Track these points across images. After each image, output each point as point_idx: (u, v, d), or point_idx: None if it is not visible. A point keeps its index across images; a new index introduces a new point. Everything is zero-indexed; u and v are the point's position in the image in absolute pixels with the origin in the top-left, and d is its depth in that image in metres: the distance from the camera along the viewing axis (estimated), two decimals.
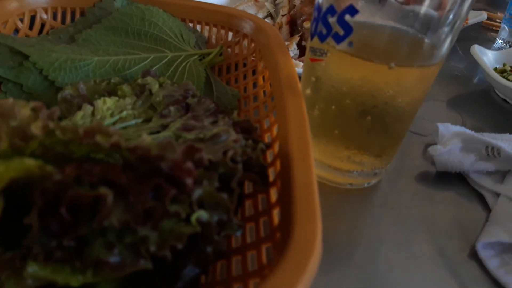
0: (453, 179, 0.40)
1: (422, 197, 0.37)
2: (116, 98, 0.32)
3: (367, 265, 0.30)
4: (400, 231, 0.33)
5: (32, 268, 0.17)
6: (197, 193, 0.20)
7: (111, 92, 0.35)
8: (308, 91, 0.36)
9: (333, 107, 0.34)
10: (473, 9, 0.88)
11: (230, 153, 0.23)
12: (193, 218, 0.20)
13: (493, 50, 0.74)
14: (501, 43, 0.76)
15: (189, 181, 0.19)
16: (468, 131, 0.41)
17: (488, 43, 0.78)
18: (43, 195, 0.17)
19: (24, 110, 0.21)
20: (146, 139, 0.19)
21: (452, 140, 0.40)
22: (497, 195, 0.37)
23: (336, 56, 0.32)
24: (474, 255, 0.31)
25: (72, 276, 0.18)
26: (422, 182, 0.39)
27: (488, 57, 0.58)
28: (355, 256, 0.30)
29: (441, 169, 0.39)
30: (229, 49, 0.46)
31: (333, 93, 0.33)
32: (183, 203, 0.20)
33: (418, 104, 0.35)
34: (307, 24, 0.51)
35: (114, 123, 0.30)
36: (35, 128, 0.19)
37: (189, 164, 0.19)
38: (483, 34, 0.83)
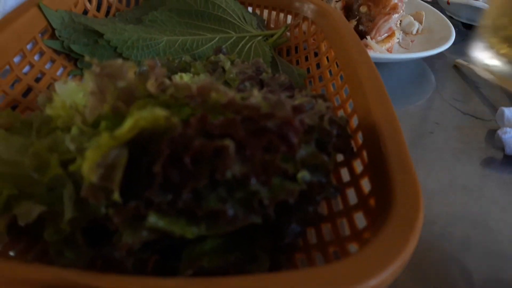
0: None
1: (492, 179, 0.36)
2: (191, 74, 0.33)
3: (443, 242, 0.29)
4: (474, 210, 0.33)
5: (153, 218, 0.18)
6: (302, 153, 0.20)
7: (184, 69, 0.35)
8: None
9: None
10: None
11: (326, 117, 0.23)
12: (299, 176, 0.20)
13: None
14: None
15: (295, 139, 0.19)
16: None
17: None
18: (170, 145, 0.17)
19: (131, 71, 0.22)
20: (257, 96, 0.19)
21: None
22: None
23: None
24: None
25: (187, 228, 0.18)
26: (490, 165, 0.38)
27: None
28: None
29: (511, 152, 0.38)
30: (288, 33, 0.46)
31: None
32: (289, 161, 0.20)
33: None
34: (363, 9, 0.50)
35: None
36: (151, 86, 0.20)
37: (298, 122, 0.19)
38: None
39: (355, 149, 0.27)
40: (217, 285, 0.14)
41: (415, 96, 0.48)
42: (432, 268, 0.28)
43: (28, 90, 0.31)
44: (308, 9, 0.44)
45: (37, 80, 0.33)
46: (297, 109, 0.20)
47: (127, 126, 0.17)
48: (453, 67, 0.56)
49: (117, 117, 0.21)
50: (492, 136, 0.41)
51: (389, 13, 0.49)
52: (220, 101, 0.19)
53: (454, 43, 0.65)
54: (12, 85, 0.30)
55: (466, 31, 0.72)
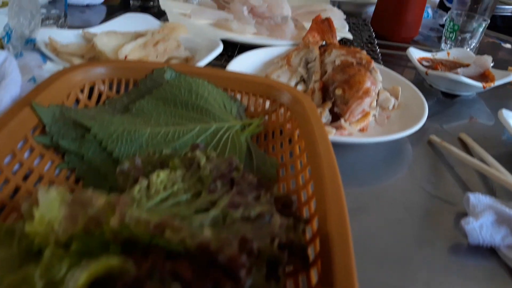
0: (485, 251, 0.40)
1: (453, 271, 0.38)
2: (168, 170, 0.36)
3: None
4: None
5: None
6: (249, 283, 0.22)
7: (163, 163, 0.38)
8: None
9: None
10: (501, 68, 0.90)
11: (276, 241, 0.25)
12: None
13: None
14: None
15: (243, 273, 0.22)
16: (498, 204, 0.42)
17: None
18: None
19: (100, 200, 0.24)
20: (207, 234, 0.22)
21: (483, 213, 0.41)
22: None
23: None
24: None
25: None
26: (454, 254, 0.40)
27: None
28: None
29: (474, 242, 0.40)
30: (266, 116, 0.49)
31: None
32: None
33: None
34: (339, 91, 0.54)
35: (167, 198, 0.33)
36: (113, 221, 0.22)
37: (244, 258, 0.22)
38: (510, 91, 0.84)
39: (311, 257, 0.29)
40: None
41: (387, 176, 0.50)
42: None
43: (16, 188, 0.34)
44: (285, 96, 0.48)
45: (26, 177, 0.36)
46: (243, 243, 0.22)
47: (82, 280, 0.19)
48: (428, 143, 0.58)
49: (88, 238, 0.23)
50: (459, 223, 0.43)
51: (361, 97, 0.52)
52: (174, 239, 0.21)
53: (433, 112, 0.68)
54: (0, 187, 0.33)
55: (445, 99, 0.76)
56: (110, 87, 0.48)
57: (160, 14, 0.90)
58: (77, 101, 0.45)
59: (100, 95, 0.48)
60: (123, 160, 0.37)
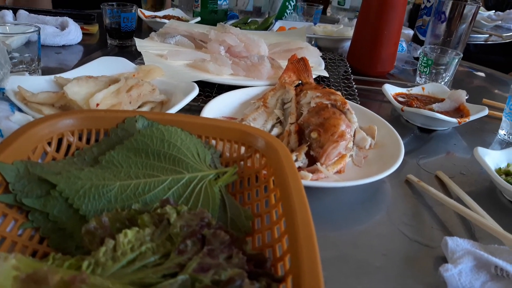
0: None
1: None
2: (137, 229, 0.34)
3: None
4: None
5: None
6: None
7: (132, 220, 0.37)
8: None
9: None
10: (476, 98, 0.92)
11: None
12: None
13: (496, 142, 0.77)
14: (504, 135, 0.78)
15: None
16: (477, 248, 0.42)
17: (492, 133, 0.81)
18: None
19: (55, 278, 0.23)
20: None
21: (462, 259, 0.41)
22: None
23: None
24: None
25: None
26: None
27: (491, 157, 0.60)
28: None
29: None
30: (241, 162, 0.48)
31: None
32: None
33: None
34: (314, 134, 0.54)
35: (133, 260, 0.32)
36: None
37: None
38: (486, 124, 0.85)
39: None
40: None
41: (365, 219, 0.50)
42: None
43: None
44: (259, 142, 0.47)
45: None
46: None
47: None
48: (405, 182, 0.58)
49: None
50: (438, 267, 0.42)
51: (337, 141, 0.52)
52: None
53: (410, 149, 0.68)
54: None
55: (422, 134, 0.76)
56: (80, 138, 0.47)
57: (138, 54, 0.90)
58: (45, 153, 0.44)
59: (69, 146, 0.46)
60: (90, 219, 0.36)
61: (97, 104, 0.53)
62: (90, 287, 0.25)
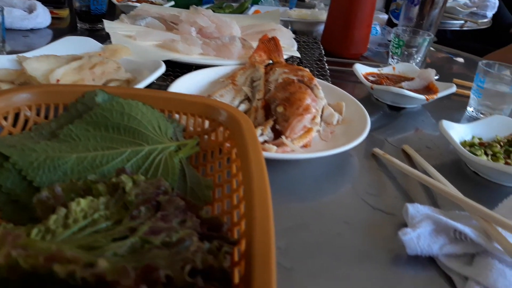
0: (424, 261, 0.40)
1: (391, 283, 0.37)
2: (91, 198, 0.34)
3: None
4: None
5: None
6: None
7: (88, 190, 0.36)
8: None
9: None
10: (441, 74, 0.94)
11: (187, 268, 0.24)
12: None
13: (464, 119, 0.78)
14: (472, 111, 0.80)
15: None
16: (436, 214, 0.42)
17: (461, 110, 0.82)
18: None
19: None
20: (102, 264, 0.20)
21: (421, 223, 0.42)
22: (466, 278, 0.38)
23: None
24: None
25: None
26: (393, 266, 0.40)
27: (456, 131, 0.61)
28: None
29: (412, 253, 0.40)
30: (206, 136, 0.48)
31: None
32: None
33: None
34: (280, 109, 0.53)
35: (85, 227, 0.31)
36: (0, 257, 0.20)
37: None
38: (455, 102, 0.87)
39: (237, 279, 0.28)
40: None
41: (329, 191, 0.50)
42: None
43: None
44: (222, 115, 0.47)
45: None
46: (145, 272, 0.21)
47: None
48: (371, 156, 0.59)
49: None
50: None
51: (302, 114, 0.52)
52: (62, 272, 0.20)
53: (379, 125, 0.69)
54: None
55: (391, 112, 0.77)
56: (38, 113, 0.46)
57: (108, 38, 0.88)
58: (2, 127, 0.43)
59: (27, 121, 0.45)
60: (42, 188, 0.35)
61: (58, 80, 0.52)
62: (36, 250, 0.25)
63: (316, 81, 0.61)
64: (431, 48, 1.32)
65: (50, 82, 0.52)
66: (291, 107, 0.53)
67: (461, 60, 1.27)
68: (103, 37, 0.99)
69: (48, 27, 1.04)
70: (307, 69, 0.64)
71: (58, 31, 1.04)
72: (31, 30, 0.99)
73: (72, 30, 1.04)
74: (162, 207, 0.33)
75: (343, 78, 0.93)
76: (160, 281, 0.22)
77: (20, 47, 0.89)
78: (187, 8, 1.13)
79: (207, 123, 0.49)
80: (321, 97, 0.59)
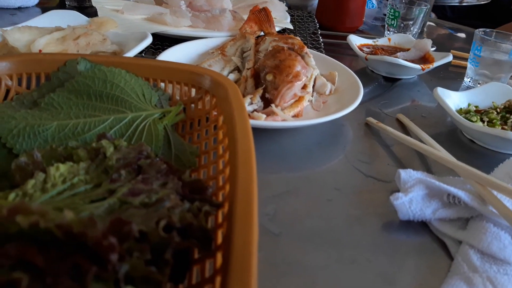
0: (417, 226, 0.39)
1: (383, 247, 0.37)
2: (71, 163, 0.33)
3: None
4: (360, 285, 0.33)
5: None
6: (124, 268, 0.20)
7: (68, 156, 0.35)
8: None
9: None
10: (442, 50, 0.91)
11: (162, 223, 0.23)
12: None
13: (462, 89, 0.77)
14: (469, 81, 0.78)
15: (113, 257, 0.19)
16: (429, 178, 0.41)
17: (457, 81, 0.80)
18: None
19: None
20: (68, 215, 0.19)
21: (413, 188, 0.41)
22: (459, 242, 0.37)
23: None
24: None
25: None
26: (384, 231, 0.39)
27: (452, 99, 0.60)
28: None
29: (403, 218, 0.39)
30: (192, 105, 0.47)
31: None
32: (107, 280, 0.19)
33: None
34: (269, 77, 0.52)
35: (63, 191, 0.30)
36: None
37: (112, 240, 0.19)
38: (452, 73, 0.85)
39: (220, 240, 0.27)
40: None
41: (321, 160, 0.49)
42: None
43: None
44: (208, 82, 0.45)
45: None
46: (115, 224, 0.20)
47: None
48: (365, 125, 0.58)
49: None
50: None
51: (291, 81, 0.50)
52: (24, 223, 0.19)
53: (374, 96, 0.68)
54: None
55: (386, 83, 0.76)
56: (20, 83, 0.45)
57: (96, 14, 0.86)
58: None
59: (8, 91, 0.44)
60: (21, 154, 0.34)
61: (40, 51, 0.51)
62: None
63: (308, 50, 0.60)
64: (432, 23, 1.30)
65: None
66: (281, 74, 0.51)
67: (462, 35, 1.25)
68: (92, 15, 0.97)
69: (37, 5, 1.01)
70: (298, 38, 0.62)
71: (46, 9, 1.01)
72: (19, 8, 0.97)
73: (60, 8, 1.01)
74: (143, 171, 0.32)
75: (338, 52, 0.91)
76: (132, 235, 0.21)
77: (7, 25, 0.87)
78: None
79: (193, 91, 0.47)
80: (313, 65, 0.58)
